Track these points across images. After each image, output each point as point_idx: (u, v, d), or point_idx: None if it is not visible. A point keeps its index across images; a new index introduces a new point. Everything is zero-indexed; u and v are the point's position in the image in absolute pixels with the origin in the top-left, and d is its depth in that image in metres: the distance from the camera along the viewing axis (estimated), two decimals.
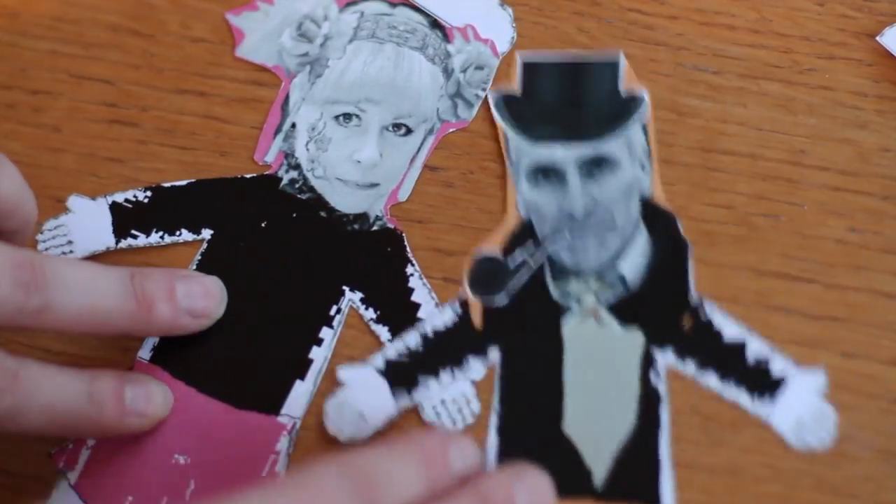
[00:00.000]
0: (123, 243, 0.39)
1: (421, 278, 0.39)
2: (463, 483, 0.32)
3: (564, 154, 0.39)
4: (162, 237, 0.40)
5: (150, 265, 0.39)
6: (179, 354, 0.38)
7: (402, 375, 0.37)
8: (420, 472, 0.31)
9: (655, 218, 0.38)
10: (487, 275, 0.38)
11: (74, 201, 0.40)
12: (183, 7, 0.43)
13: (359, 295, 0.39)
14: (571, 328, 0.37)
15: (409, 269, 0.39)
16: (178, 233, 0.40)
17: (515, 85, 0.40)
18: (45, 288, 0.33)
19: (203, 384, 0.37)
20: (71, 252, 0.39)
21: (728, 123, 0.40)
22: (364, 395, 0.37)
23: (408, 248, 0.39)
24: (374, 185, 0.40)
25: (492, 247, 0.39)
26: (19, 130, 0.41)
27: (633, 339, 0.37)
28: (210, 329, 0.37)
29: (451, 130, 0.41)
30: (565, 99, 0.40)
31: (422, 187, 0.40)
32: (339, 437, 0.36)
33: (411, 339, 0.38)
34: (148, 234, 0.40)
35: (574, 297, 0.37)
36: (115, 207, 0.40)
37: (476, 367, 0.37)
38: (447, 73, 0.41)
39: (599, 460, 0.36)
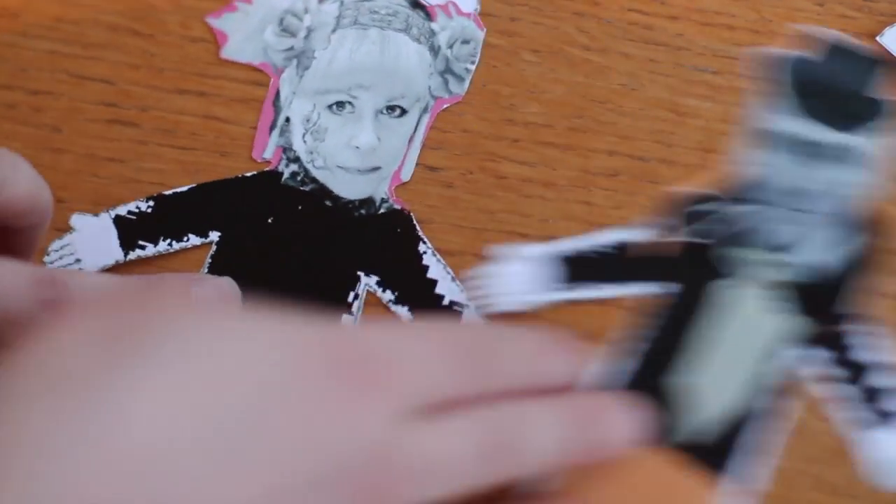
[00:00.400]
0: (132, 255, 0.39)
1: (434, 254, 0.39)
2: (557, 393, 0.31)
3: (824, 138, 0.39)
4: (170, 244, 0.39)
5: (164, 270, 0.39)
6: None
7: (570, 270, 0.38)
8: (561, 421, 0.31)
9: (861, 225, 0.38)
10: (692, 210, 0.38)
11: (77, 219, 0.40)
12: (183, 7, 0.43)
13: (375, 278, 0.39)
14: (730, 290, 0.37)
15: (422, 247, 0.39)
16: (185, 238, 0.40)
17: (809, 54, 0.40)
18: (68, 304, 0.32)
19: None
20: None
21: (728, 123, 0.40)
22: (523, 274, 0.38)
23: (417, 227, 0.39)
24: (375, 169, 0.40)
25: (708, 188, 0.39)
26: (19, 130, 0.41)
27: (781, 325, 0.37)
28: None
29: (445, 106, 0.41)
30: (850, 88, 0.40)
31: (422, 187, 0.40)
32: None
33: (590, 242, 0.38)
34: (156, 244, 0.39)
35: (747, 264, 0.38)
36: (119, 221, 0.40)
37: (634, 290, 0.38)
38: (434, 50, 0.41)
39: (690, 419, 0.36)
